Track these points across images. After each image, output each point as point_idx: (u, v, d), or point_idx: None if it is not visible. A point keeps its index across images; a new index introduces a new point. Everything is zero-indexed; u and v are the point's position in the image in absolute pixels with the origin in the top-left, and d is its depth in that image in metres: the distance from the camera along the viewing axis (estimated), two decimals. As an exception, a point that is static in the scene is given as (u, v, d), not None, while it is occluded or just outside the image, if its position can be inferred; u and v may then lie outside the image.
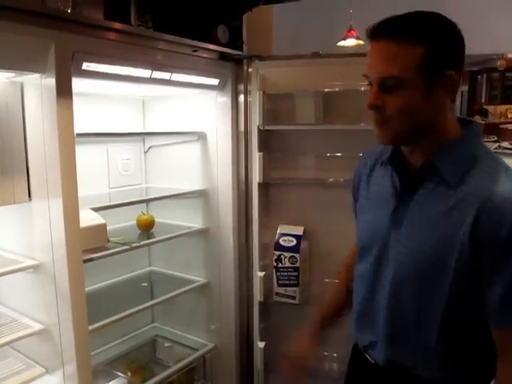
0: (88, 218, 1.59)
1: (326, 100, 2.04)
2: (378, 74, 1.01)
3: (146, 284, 2.37)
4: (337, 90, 1.97)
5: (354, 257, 1.36)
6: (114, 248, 1.80)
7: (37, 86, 1.46)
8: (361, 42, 4.79)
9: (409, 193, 1.09)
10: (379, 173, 1.20)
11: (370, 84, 1.04)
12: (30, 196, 1.57)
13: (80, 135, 1.53)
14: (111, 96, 2.19)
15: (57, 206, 1.47)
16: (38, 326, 1.61)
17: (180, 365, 2.14)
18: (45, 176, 1.49)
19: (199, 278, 2.30)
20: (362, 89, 1.92)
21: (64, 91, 1.42)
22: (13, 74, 1.44)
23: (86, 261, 1.59)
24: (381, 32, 1.00)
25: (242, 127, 2.11)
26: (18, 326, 1.62)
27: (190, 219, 2.28)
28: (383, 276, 1.16)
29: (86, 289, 1.60)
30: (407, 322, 1.12)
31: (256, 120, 2.03)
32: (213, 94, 2.11)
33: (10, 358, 1.72)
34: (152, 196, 2.22)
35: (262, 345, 2.17)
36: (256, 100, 2.01)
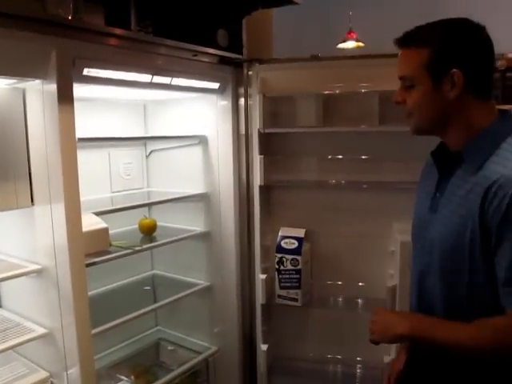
0: (90, 223, 1.59)
1: (327, 102, 2.05)
2: (398, 75, 1.21)
3: (148, 287, 2.38)
4: (337, 92, 1.98)
5: None
6: (116, 252, 1.81)
7: (38, 92, 1.47)
8: (361, 44, 4.80)
9: (444, 181, 1.21)
10: (432, 168, 1.31)
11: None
12: (32, 201, 1.58)
13: (82, 140, 1.54)
14: (112, 101, 2.20)
15: (59, 211, 1.48)
16: (41, 330, 1.62)
17: (183, 368, 2.15)
18: (47, 181, 1.50)
19: (202, 281, 2.30)
20: (363, 91, 1.94)
21: (65, 97, 1.43)
22: (14, 80, 1.46)
23: (88, 265, 1.60)
24: (398, 42, 1.20)
25: (242, 130, 2.11)
26: (21, 330, 1.63)
27: (192, 223, 2.28)
28: (420, 258, 1.28)
29: (90, 292, 1.61)
30: (433, 300, 1.21)
31: (257, 123, 2.04)
32: (213, 97, 2.12)
33: (14, 362, 1.73)
34: (154, 200, 2.23)
35: (264, 347, 2.17)
36: (256, 103, 2.03)
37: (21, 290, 1.72)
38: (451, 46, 1.13)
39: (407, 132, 1.87)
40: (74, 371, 1.58)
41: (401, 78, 1.21)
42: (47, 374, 1.66)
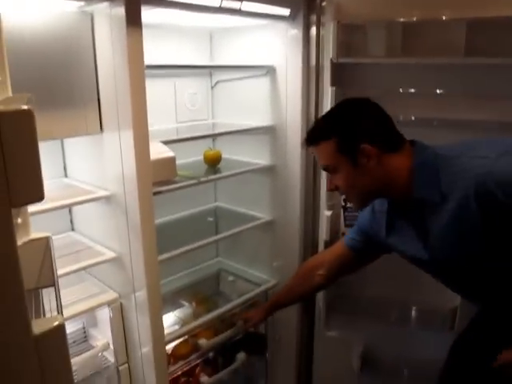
0: (158, 151, 1.59)
1: (406, 31, 1.88)
2: (320, 166, 1.43)
3: (211, 219, 2.40)
4: (414, 19, 1.81)
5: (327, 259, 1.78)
6: (182, 182, 1.82)
7: (106, 16, 1.43)
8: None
9: (420, 226, 1.31)
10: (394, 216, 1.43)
11: None
12: (101, 127, 1.59)
13: (149, 67, 1.51)
14: (179, 29, 2.14)
15: (127, 138, 1.48)
16: (110, 254, 1.68)
17: (243, 298, 2.19)
18: (116, 108, 1.50)
19: (264, 216, 2.29)
20: (444, 18, 1.76)
21: (133, 20, 1.39)
22: (82, 3, 1.43)
23: (155, 193, 1.61)
24: (307, 143, 1.38)
25: (313, 61, 1.99)
26: (92, 252, 1.70)
27: (256, 156, 2.25)
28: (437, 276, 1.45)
29: (155, 221, 1.63)
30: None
31: (329, 53, 1.91)
32: (283, 25, 2.00)
33: (87, 281, 1.83)
34: (219, 131, 2.20)
35: (324, 284, 2.16)
36: (329, 32, 1.89)
37: (92, 215, 1.78)
38: (351, 128, 1.28)
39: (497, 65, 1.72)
40: (142, 294, 1.64)
41: (325, 169, 1.38)
42: (116, 294, 1.74)
